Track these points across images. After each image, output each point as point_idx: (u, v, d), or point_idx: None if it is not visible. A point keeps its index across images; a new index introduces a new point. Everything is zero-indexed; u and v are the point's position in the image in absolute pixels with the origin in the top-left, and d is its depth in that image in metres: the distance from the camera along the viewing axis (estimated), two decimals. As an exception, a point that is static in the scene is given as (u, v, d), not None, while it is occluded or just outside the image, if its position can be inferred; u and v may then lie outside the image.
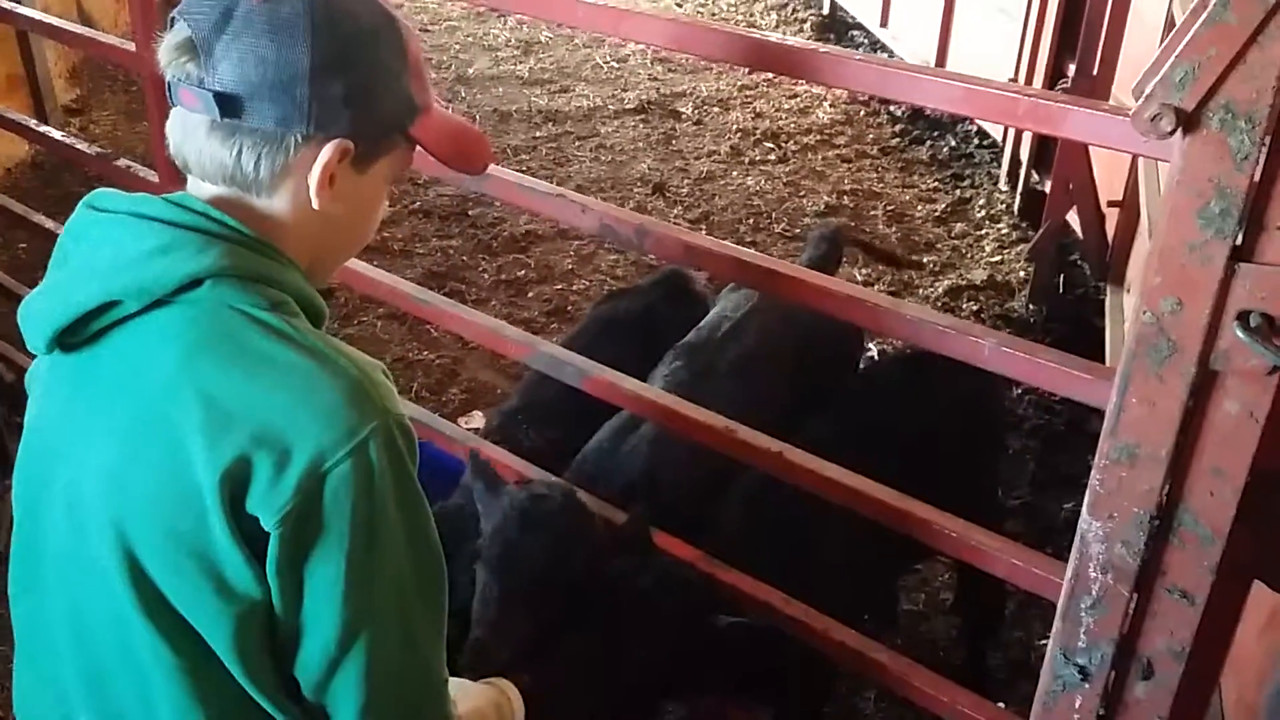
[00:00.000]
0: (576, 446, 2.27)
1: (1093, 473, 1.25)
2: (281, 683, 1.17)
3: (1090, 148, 4.40)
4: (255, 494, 1.09)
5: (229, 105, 1.13)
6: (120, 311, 1.14)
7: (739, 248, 1.79)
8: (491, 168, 2.12)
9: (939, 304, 4.56)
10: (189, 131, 1.17)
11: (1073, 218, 4.46)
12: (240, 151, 1.15)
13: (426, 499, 1.22)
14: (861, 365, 2.98)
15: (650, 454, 2.19)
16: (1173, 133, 1.06)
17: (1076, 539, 1.29)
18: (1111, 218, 4.20)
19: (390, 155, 1.25)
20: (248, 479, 1.09)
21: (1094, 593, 1.29)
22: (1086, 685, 1.34)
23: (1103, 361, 3.97)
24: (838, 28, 7.66)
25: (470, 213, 5.25)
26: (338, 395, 1.12)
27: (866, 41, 7.29)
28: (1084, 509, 1.27)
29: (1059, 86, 4.34)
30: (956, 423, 2.50)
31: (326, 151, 1.16)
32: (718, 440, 1.90)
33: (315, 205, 1.19)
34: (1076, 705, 1.35)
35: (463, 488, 2.38)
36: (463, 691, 1.63)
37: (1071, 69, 4.38)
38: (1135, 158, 3.95)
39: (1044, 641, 3.02)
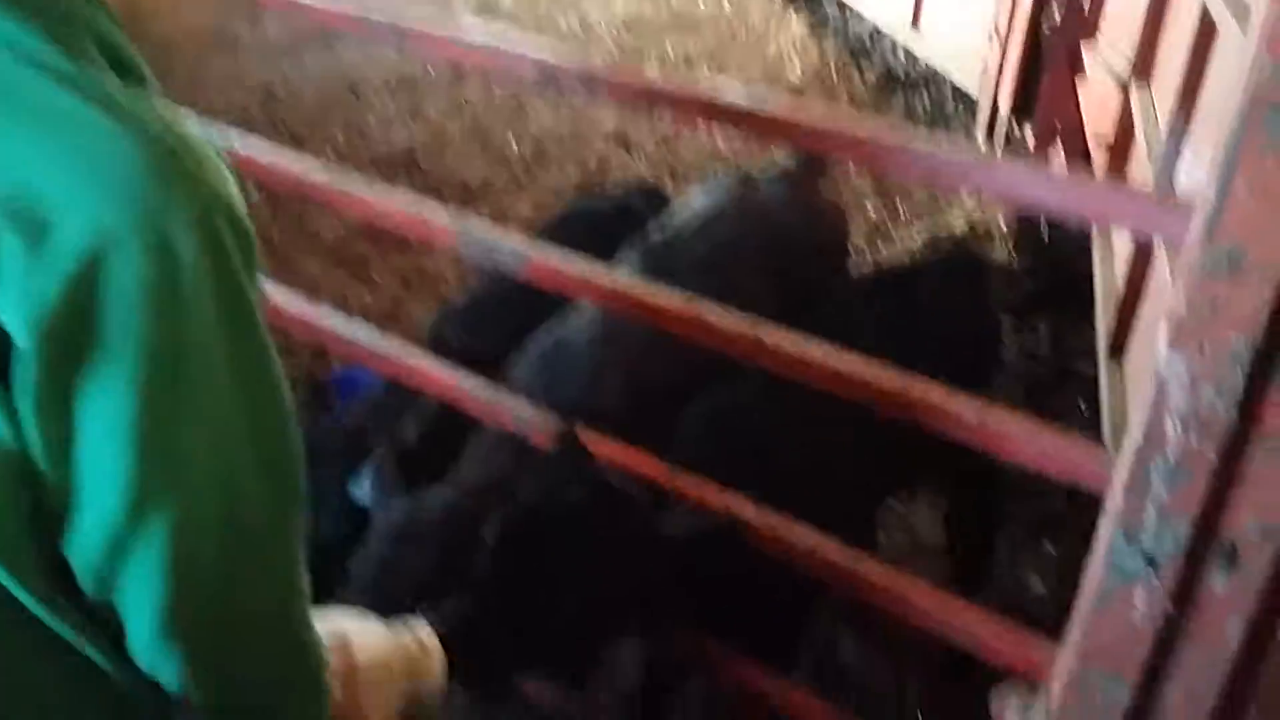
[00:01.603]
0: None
1: (1174, 292, 0.96)
2: (55, 575, 0.84)
3: (1079, 89, 4.18)
4: (0, 290, 0.76)
5: None
6: None
7: (704, 88, 1.49)
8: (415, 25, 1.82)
9: (918, 253, 4.31)
10: None
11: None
12: None
13: (270, 340, 0.88)
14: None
15: (596, 356, 1.87)
16: None
17: (1151, 387, 1.00)
18: (1099, 161, 3.94)
19: None
20: None
21: (1171, 456, 0.99)
22: (1155, 578, 1.04)
23: (1092, 303, 3.70)
24: None
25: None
26: (136, 160, 0.78)
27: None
28: (1161, 344, 0.98)
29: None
30: (947, 343, 2.21)
31: None
32: (683, 326, 1.60)
33: None
34: (1139, 603, 1.05)
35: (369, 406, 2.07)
36: (361, 632, 1.29)
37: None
38: (1127, 97, 3.70)
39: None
